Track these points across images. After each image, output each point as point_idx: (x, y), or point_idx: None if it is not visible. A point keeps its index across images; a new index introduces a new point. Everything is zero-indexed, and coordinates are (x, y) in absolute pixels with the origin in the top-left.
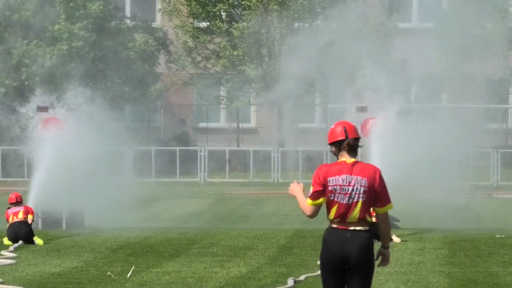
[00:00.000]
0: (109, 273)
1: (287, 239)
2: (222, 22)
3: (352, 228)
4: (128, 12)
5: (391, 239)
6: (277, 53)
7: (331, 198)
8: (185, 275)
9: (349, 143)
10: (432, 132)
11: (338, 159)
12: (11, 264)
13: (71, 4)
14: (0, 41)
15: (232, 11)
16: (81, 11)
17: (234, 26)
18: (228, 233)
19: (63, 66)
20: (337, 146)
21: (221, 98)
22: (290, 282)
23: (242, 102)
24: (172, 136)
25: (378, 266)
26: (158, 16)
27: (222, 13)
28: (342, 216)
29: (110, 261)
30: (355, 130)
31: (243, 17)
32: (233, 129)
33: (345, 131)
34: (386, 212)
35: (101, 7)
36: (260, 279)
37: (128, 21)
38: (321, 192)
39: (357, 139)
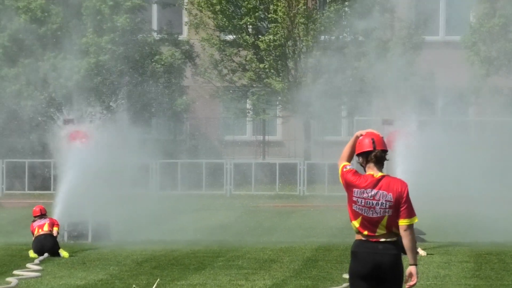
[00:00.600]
0: (134, 286)
1: (313, 252)
2: (249, 35)
3: (382, 240)
4: (155, 25)
5: (417, 253)
6: (304, 66)
7: (355, 209)
8: (210, 287)
9: (376, 155)
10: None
11: (365, 171)
12: (36, 277)
13: (98, 17)
14: (28, 54)
15: (259, 24)
16: (108, 24)
17: (260, 39)
18: (254, 246)
19: (90, 80)
20: (365, 157)
21: (247, 111)
22: None
23: (268, 115)
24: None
25: (406, 283)
26: (185, 29)
27: (248, 26)
28: (369, 229)
29: (136, 273)
30: (383, 142)
31: (270, 30)
32: (259, 141)
33: (373, 142)
34: (411, 225)
35: (128, 20)
36: None
37: (155, 34)
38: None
39: (384, 151)
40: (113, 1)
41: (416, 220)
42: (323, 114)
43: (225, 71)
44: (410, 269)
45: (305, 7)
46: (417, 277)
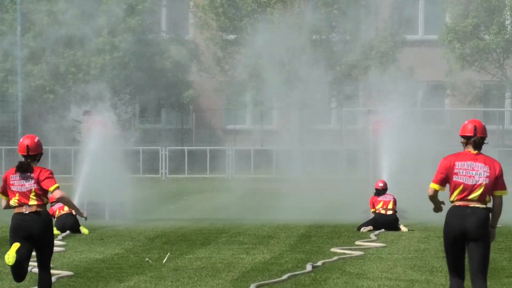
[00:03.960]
0: (147, 259)
1: (306, 229)
2: (248, 35)
3: (472, 205)
4: (164, 26)
5: (400, 228)
6: (298, 62)
7: (456, 180)
8: (215, 261)
9: (475, 140)
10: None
11: (464, 149)
12: (60, 252)
13: (113, 19)
14: (51, 52)
15: (257, 25)
16: (122, 25)
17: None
18: (253, 223)
19: (106, 74)
20: (466, 139)
21: (246, 102)
22: (309, 267)
23: (265, 106)
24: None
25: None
26: (191, 29)
27: (247, 26)
28: (465, 195)
29: (148, 248)
30: (483, 130)
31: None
32: (257, 130)
33: (475, 129)
34: (501, 197)
35: (139, 21)
36: (281, 264)
37: (164, 34)
38: (445, 178)
39: (483, 138)
40: (126, 5)
41: (506, 193)
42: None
43: (227, 67)
44: (490, 230)
45: (299, 9)
46: (494, 237)
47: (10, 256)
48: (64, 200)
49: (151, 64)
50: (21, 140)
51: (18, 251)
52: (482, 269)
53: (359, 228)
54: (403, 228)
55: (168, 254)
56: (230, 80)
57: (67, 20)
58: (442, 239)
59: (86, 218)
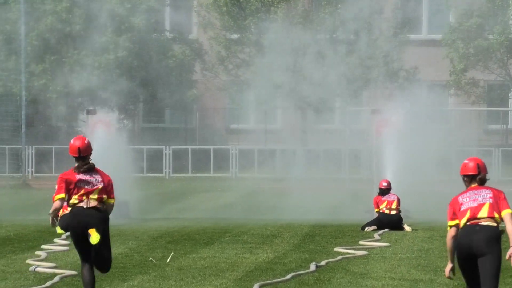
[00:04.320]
0: (151, 258)
1: (310, 228)
2: (252, 34)
3: (481, 223)
4: (167, 26)
5: (403, 228)
6: (301, 61)
7: (463, 208)
8: (219, 260)
9: (481, 178)
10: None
11: (466, 187)
12: (64, 251)
13: (116, 19)
14: (54, 51)
15: (261, 24)
16: (126, 25)
17: (262, 37)
18: (257, 223)
19: (110, 74)
20: (469, 178)
21: (250, 102)
22: (312, 266)
23: (269, 106)
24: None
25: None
26: (194, 29)
27: (251, 25)
28: (473, 215)
29: (152, 247)
30: (484, 166)
31: (271, 29)
32: (261, 129)
33: (478, 167)
34: (510, 214)
35: (143, 21)
36: (285, 264)
37: (167, 33)
38: (456, 214)
39: (485, 174)
40: (130, 4)
41: (510, 211)
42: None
43: (230, 66)
44: (510, 249)
45: (303, 8)
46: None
47: (94, 235)
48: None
49: (154, 63)
50: (71, 141)
51: (98, 231)
52: (492, 284)
53: (363, 228)
54: (407, 228)
55: (172, 253)
56: (234, 79)
57: (71, 19)
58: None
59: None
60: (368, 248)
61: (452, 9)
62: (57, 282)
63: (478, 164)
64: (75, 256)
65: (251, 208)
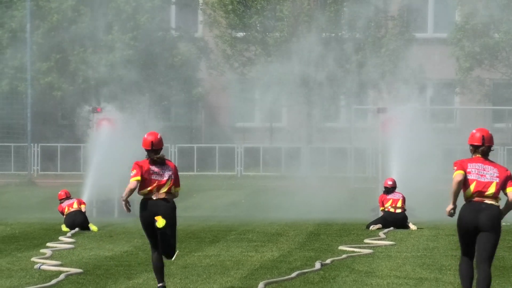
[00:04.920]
0: None
1: (315, 227)
2: (257, 32)
3: (486, 201)
4: (173, 24)
5: (409, 226)
6: (306, 59)
7: (470, 177)
8: (224, 258)
9: (483, 150)
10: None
11: (472, 156)
12: (69, 249)
13: (122, 17)
14: (60, 49)
15: (266, 22)
16: (132, 23)
17: (268, 36)
18: (262, 221)
19: (115, 72)
20: (473, 148)
21: (255, 100)
22: (318, 265)
23: (274, 104)
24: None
25: None
26: (200, 27)
27: (257, 24)
28: (480, 192)
29: None
30: (490, 139)
31: (276, 28)
32: (266, 128)
33: (483, 139)
34: None
35: (149, 19)
36: (290, 262)
37: (173, 31)
38: (464, 168)
39: (490, 146)
40: (136, 2)
41: None
42: (324, 102)
43: (236, 64)
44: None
45: (308, 6)
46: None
47: (160, 221)
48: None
49: (160, 61)
50: (145, 136)
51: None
52: (489, 257)
53: (368, 226)
54: (412, 226)
55: (177, 251)
56: (239, 78)
57: (77, 17)
58: (456, 228)
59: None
60: (373, 247)
61: (458, 8)
62: (62, 280)
63: (483, 136)
64: (80, 254)
65: (256, 206)
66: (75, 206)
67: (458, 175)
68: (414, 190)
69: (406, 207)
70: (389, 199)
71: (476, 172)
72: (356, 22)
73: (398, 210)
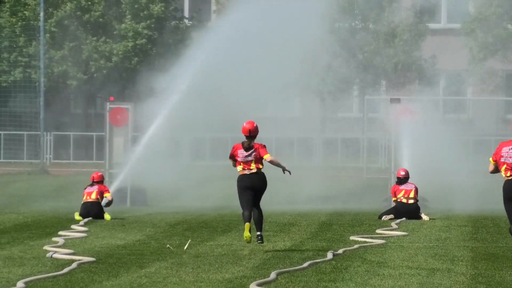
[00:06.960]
0: (168, 245)
1: (327, 217)
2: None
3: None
4: (186, 13)
5: (421, 217)
6: (319, 50)
7: (502, 161)
8: (236, 248)
9: None
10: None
11: None
12: (82, 237)
13: (136, 6)
14: (73, 38)
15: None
16: (145, 12)
17: None
18: (275, 211)
19: (128, 61)
20: None
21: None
22: (330, 255)
23: (287, 94)
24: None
25: None
26: (213, 16)
27: None
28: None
29: (169, 235)
30: None
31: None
32: (279, 118)
33: None
34: None
35: (162, 8)
36: (302, 252)
37: (186, 21)
38: (497, 158)
39: None
40: None
41: None
42: (337, 93)
43: None
44: None
45: None
46: None
47: (246, 234)
48: (274, 163)
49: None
50: (244, 124)
51: (249, 231)
52: None
53: (380, 217)
54: (424, 217)
55: (189, 240)
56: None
57: (90, 6)
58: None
59: (290, 172)
60: (386, 237)
61: None
62: (74, 269)
63: None
64: (93, 242)
65: (269, 196)
66: (93, 196)
67: (490, 166)
68: (427, 181)
69: (419, 197)
70: (402, 190)
71: (506, 155)
72: (369, 13)
73: (411, 201)
